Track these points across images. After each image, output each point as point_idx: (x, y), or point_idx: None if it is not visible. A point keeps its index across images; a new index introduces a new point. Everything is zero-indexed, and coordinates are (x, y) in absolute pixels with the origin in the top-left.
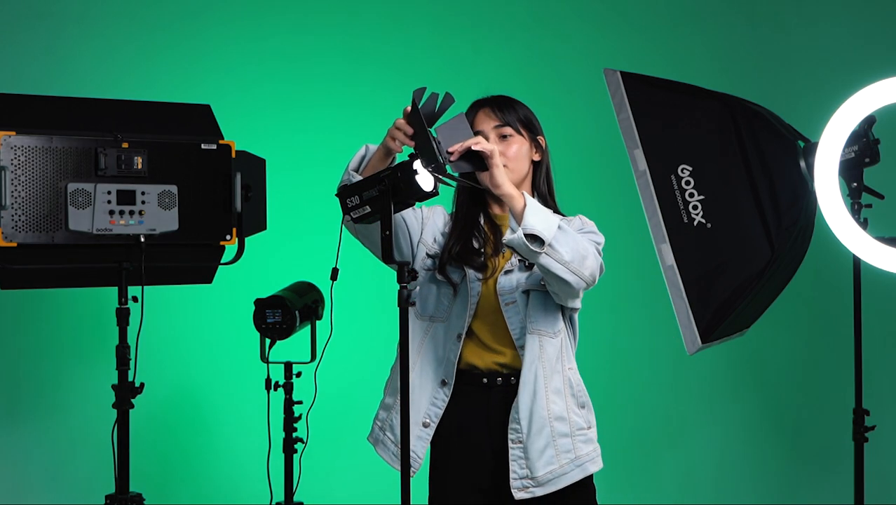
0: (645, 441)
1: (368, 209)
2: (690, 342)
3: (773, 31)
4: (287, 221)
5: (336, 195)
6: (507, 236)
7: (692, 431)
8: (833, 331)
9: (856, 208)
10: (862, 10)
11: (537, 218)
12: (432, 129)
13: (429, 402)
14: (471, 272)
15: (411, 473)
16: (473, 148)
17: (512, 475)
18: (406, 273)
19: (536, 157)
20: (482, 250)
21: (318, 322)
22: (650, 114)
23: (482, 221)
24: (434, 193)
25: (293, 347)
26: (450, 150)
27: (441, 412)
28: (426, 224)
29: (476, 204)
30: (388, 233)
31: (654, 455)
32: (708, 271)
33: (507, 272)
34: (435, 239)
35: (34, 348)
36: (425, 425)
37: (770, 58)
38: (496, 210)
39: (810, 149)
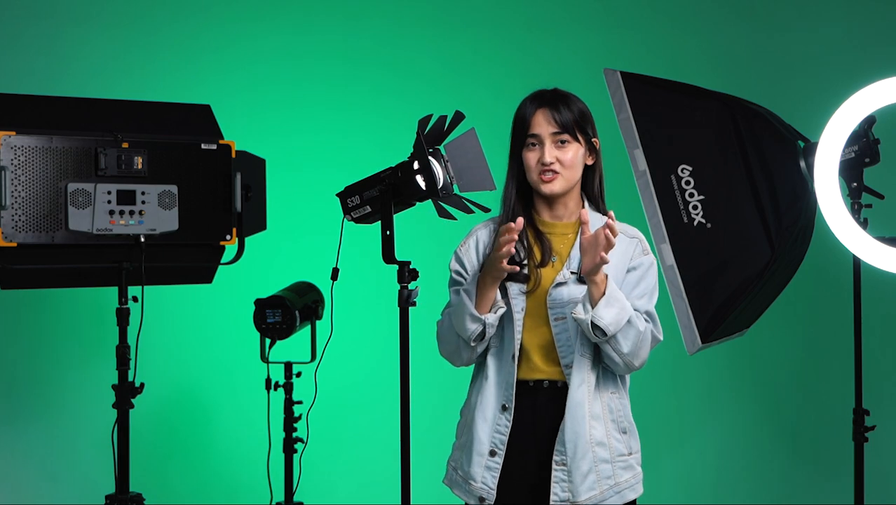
0: (645, 441)
1: (369, 209)
2: (690, 342)
3: (773, 32)
4: (287, 221)
5: (336, 195)
6: (577, 315)
7: (692, 431)
8: (833, 331)
9: (856, 208)
10: (862, 10)
11: (609, 311)
12: (441, 147)
13: (492, 429)
14: (514, 287)
15: None
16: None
17: (553, 497)
18: (406, 273)
19: (589, 161)
20: (524, 262)
21: (318, 322)
22: (650, 114)
23: (526, 229)
24: (433, 193)
25: (293, 347)
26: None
27: (506, 438)
28: (465, 259)
29: (524, 208)
30: (388, 233)
31: (654, 455)
32: (708, 271)
33: (559, 284)
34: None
35: (34, 348)
36: (492, 454)
37: (770, 58)
38: (545, 217)
39: (810, 149)
